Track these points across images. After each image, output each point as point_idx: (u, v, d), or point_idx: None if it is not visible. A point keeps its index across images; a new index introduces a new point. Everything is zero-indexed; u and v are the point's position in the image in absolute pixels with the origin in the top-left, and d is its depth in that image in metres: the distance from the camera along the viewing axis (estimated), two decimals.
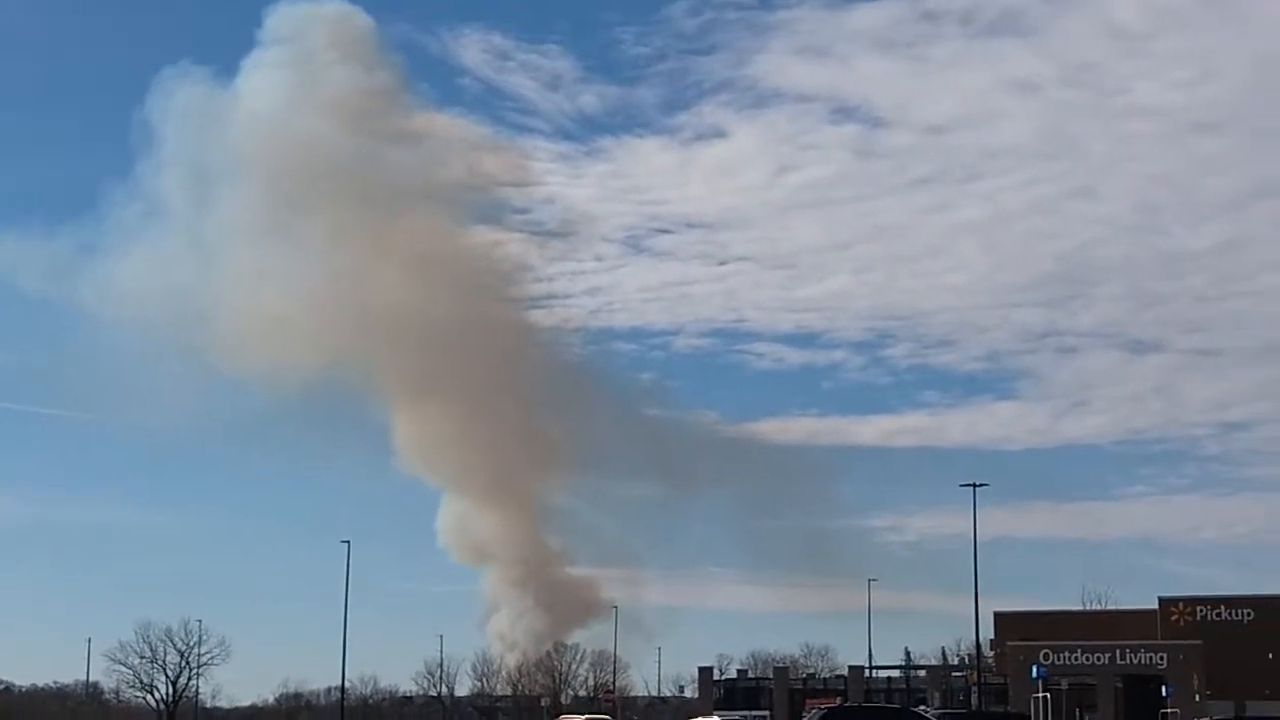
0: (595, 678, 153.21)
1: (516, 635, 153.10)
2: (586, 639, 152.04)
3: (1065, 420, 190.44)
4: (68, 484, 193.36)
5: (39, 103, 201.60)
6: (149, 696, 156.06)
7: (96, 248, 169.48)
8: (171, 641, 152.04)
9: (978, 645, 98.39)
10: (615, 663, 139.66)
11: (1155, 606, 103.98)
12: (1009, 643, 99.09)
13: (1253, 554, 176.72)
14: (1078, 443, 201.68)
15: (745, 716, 75.40)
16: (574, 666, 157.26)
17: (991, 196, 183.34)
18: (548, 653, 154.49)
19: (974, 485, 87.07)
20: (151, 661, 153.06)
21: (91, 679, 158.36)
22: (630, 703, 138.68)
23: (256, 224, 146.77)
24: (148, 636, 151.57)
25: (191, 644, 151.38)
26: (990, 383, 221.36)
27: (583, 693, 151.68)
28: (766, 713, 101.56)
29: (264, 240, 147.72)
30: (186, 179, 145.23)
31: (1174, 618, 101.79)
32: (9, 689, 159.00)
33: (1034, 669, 47.65)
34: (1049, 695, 46.27)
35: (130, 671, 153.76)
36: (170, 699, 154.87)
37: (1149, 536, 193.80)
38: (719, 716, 67.45)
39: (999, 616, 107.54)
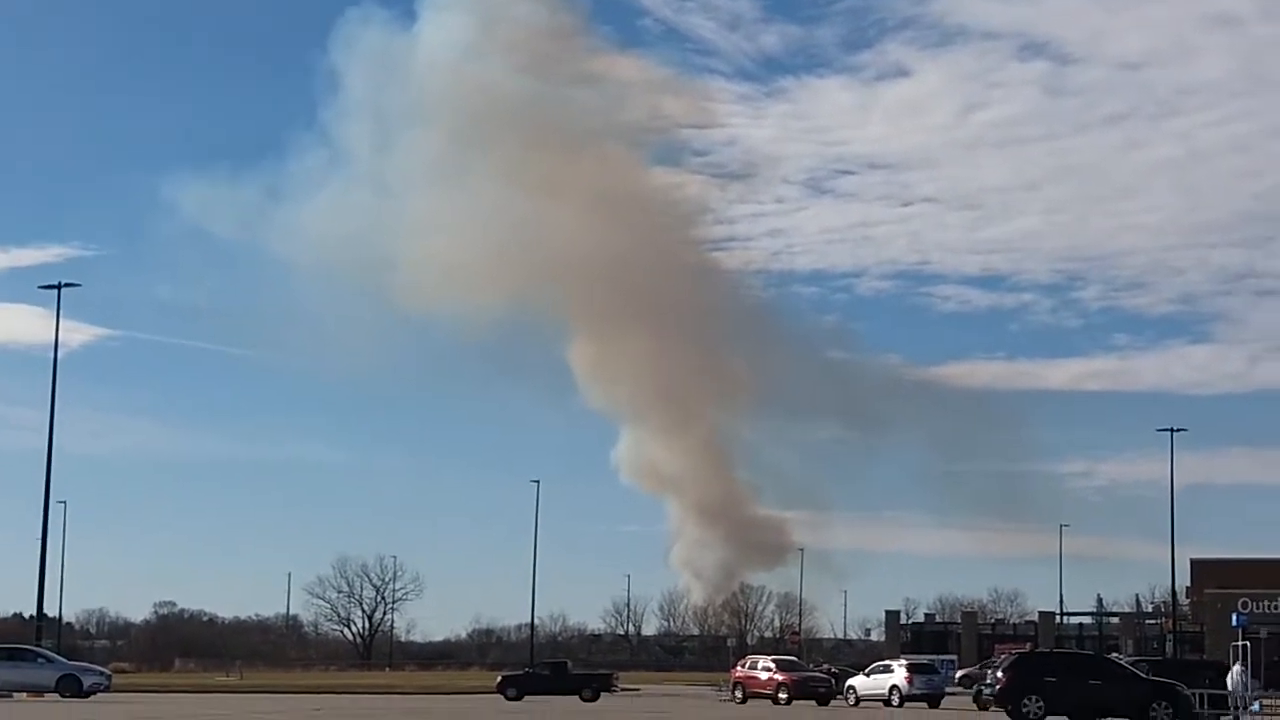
0: (781, 619, 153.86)
1: (703, 564, 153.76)
2: (773, 581, 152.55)
3: (1262, 365, 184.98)
4: (263, 423, 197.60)
5: (222, 48, 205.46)
6: (345, 630, 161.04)
7: (282, 193, 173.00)
8: (368, 577, 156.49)
9: (1173, 592, 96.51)
10: (801, 604, 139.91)
11: None
12: (1206, 590, 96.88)
13: None
14: (1275, 388, 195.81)
15: (933, 660, 74.76)
16: (760, 608, 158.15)
17: (1187, 134, 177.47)
18: (734, 593, 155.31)
19: (1171, 430, 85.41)
20: (348, 596, 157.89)
21: (291, 612, 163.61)
22: (816, 645, 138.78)
23: (438, 167, 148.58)
24: (345, 572, 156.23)
25: (387, 579, 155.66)
26: (1184, 325, 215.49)
27: (768, 634, 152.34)
28: (954, 657, 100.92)
29: (446, 183, 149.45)
30: (369, 124, 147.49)
31: None
32: (213, 620, 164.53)
33: (1234, 617, 46.54)
34: (1248, 644, 45.27)
35: (328, 605, 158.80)
36: (366, 632, 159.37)
37: None
38: (905, 660, 67.01)
39: (1195, 564, 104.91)
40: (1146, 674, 45.87)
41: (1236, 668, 49.11)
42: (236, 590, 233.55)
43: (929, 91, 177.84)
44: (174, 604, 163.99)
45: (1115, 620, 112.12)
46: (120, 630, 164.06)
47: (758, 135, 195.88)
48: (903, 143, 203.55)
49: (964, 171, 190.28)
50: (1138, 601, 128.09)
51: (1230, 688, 47.60)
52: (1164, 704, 41.87)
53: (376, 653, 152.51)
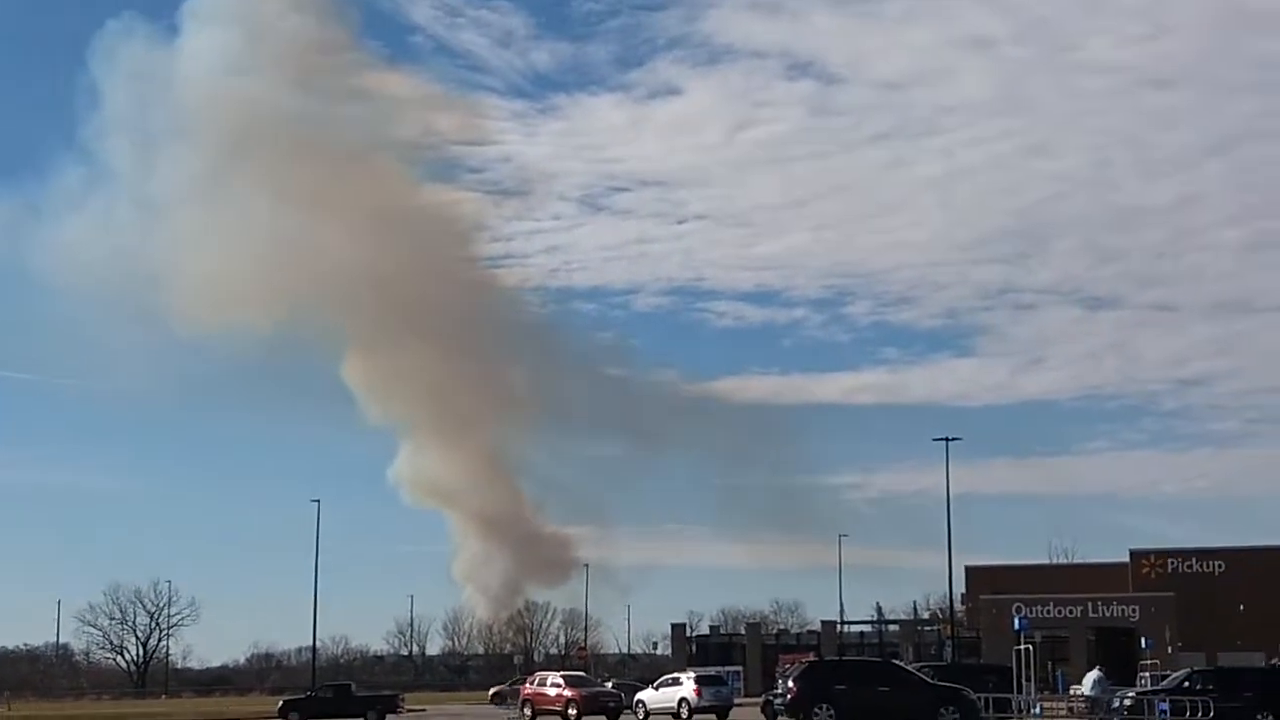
0: (567, 635, 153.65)
1: (487, 580, 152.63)
2: (557, 597, 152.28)
3: (1024, 377, 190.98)
4: (31, 447, 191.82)
5: None
6: (119, 658, 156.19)
7: (42, 210, 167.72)
8: (141, 603, 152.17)
9: (951, 599, 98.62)
10: (587, 620, 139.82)
11: (1125, 560, 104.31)
12: (981, 596, 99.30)
13: (1213, 508, 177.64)
14: (1036, 399, 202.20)
15: (720, 672, 75.18)
16: (545, 624, 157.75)
17: (948, 153, 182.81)
18: (519, 610, 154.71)
19: (946, 439, 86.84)
20: (121, 623, 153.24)
21: (62, 640, 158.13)
22: (602, 660, 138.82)
23: (205, 184, 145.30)
24: (117, 598, 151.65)
25: (161, 605, 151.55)
26: (949, 339, 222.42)
27: (554, 650, 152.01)
28: (739, 668, 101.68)
29: (213, 200, 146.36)
30: (132, 140, 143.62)
31: (1145, 570, 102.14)
32: None
33: (1015, 621, 47.56)
34: (1030, 648, 46.24)
35: (100, 633, 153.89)
36: (141, 660, 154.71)
37: (1110, 491, 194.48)
38: (693, 672, 67.19)
39: (970, 570, 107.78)
40: (932, 679, 46.56)
41: (1094, 673, 49.10)
42: (3, 619, 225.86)
43: (699, 110, 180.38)
44: None
45: (894, 628, 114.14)
46: None
47: (532, 152, 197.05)
48: (675, 160, 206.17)
49: (735, 189, 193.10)
50: (915, 609, 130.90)
51: (1088, 692, 47.84)
52: (951, 708, 42.56)
53: (152, 680, 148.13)
